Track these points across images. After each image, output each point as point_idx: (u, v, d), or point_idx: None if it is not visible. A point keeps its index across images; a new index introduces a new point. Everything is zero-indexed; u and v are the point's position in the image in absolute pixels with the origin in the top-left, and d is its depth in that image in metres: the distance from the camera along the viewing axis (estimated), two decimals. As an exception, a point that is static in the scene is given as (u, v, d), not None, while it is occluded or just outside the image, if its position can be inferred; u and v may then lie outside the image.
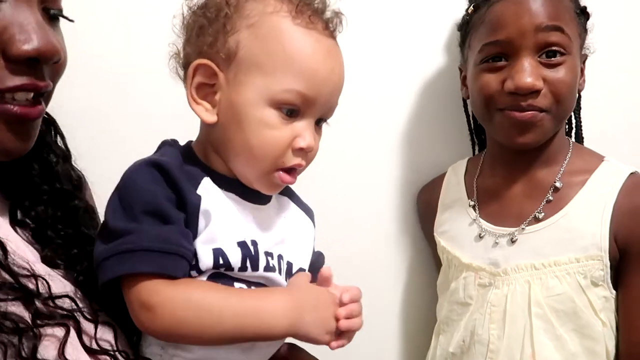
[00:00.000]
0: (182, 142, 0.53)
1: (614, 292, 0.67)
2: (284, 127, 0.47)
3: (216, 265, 0.46)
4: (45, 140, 0.52)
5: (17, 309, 0.38)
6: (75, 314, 0.42)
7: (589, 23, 0.71)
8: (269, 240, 0.51)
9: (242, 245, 0.48)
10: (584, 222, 0.67)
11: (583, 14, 0.71)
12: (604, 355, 0.66)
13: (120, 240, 0.43)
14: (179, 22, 0.51)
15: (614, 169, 0.69)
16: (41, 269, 0.44)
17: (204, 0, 0.50)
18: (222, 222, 0.47)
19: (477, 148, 0.85)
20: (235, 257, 0.47)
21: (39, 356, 0.37)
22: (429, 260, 0.86)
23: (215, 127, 0.49)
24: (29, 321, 0.38)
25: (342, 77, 0.50)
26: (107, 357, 0.43)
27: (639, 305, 0.66)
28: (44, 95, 0.44)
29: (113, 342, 0.45)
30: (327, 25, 0.49)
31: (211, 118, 0.48)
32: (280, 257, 0.52)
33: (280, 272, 0.51)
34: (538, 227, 0.69)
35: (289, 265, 0.53)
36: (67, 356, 0.39)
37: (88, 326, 0.43)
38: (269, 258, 0.50)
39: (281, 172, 0.49)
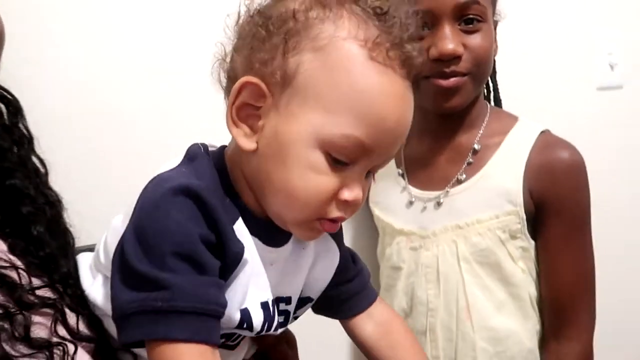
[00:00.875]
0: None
1: (532, 242, 0.72)
2: (332, 173, 0.40)
3: (239, 327, 0.42)
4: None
5: (1, 298, 0.37)
6: (58, 304, 0.41)
7: None
8: (285, 287, 0.47)
9: (265, 306, 0.43)
10: (500, 180, 0.71)
11: None
12: (527, 299, 0.72)
13: (152, 296, 0.36)
14: (233, 22, 0.43)
15: (526, 128, 0.73)
16: (14, 259, 0.42)
17: (267, 6, 0.42)
18: (251, 278, 0.42)
19: None
20: (257, 320, 0.43)
21: (32, 335, 0.37)
22: (370, 230, 0.88)
23: (253, 156, 0.41)
24: (16, 308, 0.37)
25: (409, 125, 0.43)
26: (92, 345, 0.42)
27: (555, 253, 0.71)
28: None
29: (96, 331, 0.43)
30: (405, 62, 0.40)
31: (250, 145, 0.41)
32: (289, 299, 0.48)
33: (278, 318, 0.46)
34: (460, 188, 0.73)
35: (301, 299, 0.50)
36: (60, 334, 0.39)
37: (72, 315, 0.42)
38: (280, 308, 0.46)
39: (323, 221, 0.42)
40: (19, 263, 0.41)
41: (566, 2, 1.06)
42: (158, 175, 0.41)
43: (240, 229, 0.41)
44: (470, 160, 0.74)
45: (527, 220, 0.70)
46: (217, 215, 0.38)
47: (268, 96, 0.40)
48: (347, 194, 0.40)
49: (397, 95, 0.40)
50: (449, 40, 0.67)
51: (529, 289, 0.72)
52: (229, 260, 0.40)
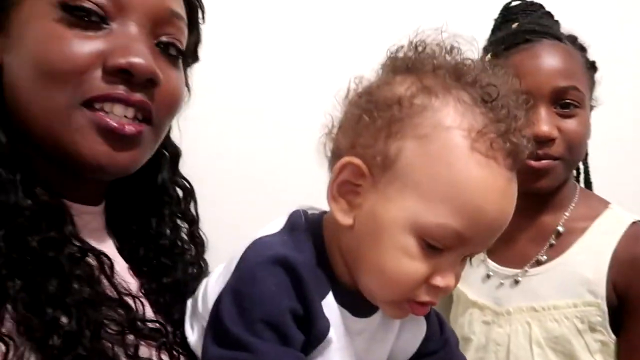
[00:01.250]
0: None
1: (613, 337, 0.69)
2: (424, 259, 0.40)
3: None
4: (161, 177, 0.52)
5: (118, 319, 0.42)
6: (164, 339, 0.44)
7: (597, 76, 0.75)
8: (371, 356, 0.47)
9: None
10: (582, 268, 0.69)
11: (592, 68, 0.75)
12: None
13: (238, 355, 0.38)
14: (342, 96, 0.45)
15: (616, 217, 0.72)
16: (141, 295, 0.47)
17: (374, 87, 0.43)
18: (336, 352, 0.42)
19: None
20: None
21: (140, 354, 0.41)
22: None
23: (349, 231, 0.42)
24: (129, 330, 0.41)
25: (510, 217, 0.42)
26: None
27: (630, 352, 0.68)
28: (147, 120, 0.44)
29: None
30: (510, 153, 0.39)
31: (346, 220, 0.42)
32: None
33: None
34: (540, 270, 0.72)
35: None
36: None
37: (174, 353, 0.45)
38: None
39: (412, 303, 0.42)
40: (144, 300, 0.47)
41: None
42: (259, 239, 0.43)
43: (329, 303, 0.42)
44: (553, 242, 0.73)
45: (609, 313, 0.68)
46: (308, 290, 0.40)
47: (368, 177, 0.41)
48: (439, 281, 0.40)
49: (499, 189, 0.39)
50: (544, 122, 0.68)
51: None
52: (314, 337, 0.40)
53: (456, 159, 0.38)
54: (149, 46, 0.44)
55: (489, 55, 0.76)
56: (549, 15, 0.78)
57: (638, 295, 0.67)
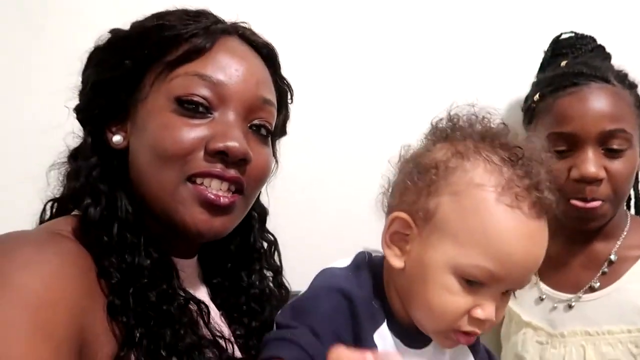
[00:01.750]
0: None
1: None
2: (465, 294, 0.47)
3: None
4: (252, 236, 0.61)
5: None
6: None
7: None
8: None
9: None
10: (635, 296, 0.73)
11: None
12: None
13: (278, 334, 0.47)
14: (396, 160, 0.53)
15: None
16: (231, 338, 0.55)
17: (419, 154, 0.52)
18: None
19: None
20: None
21: None
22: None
23: (401, 273, 0.50)
24: None
25: (540, 258, 0.49)
26: None
27: None
28: (239, 191, 0.51)
29: None
30: (535, 204, 0.46)
31: (398, 264, 0.50)
32: None
33: None
34: (593, 296, 0.76)
35: None
36: None
37: None
38: None
39: (458, 333, 0.48)
40: (234, 343, 0.55)
41: None
42: (328, 268, 0.52)
43: (383, 334, 0.49)
44: (606, 270, 0.76)
45: None
46: (361, 321, 0.47)
47: (414, 227, 0.49)
48: (479, 313, 0.47)
49: (524, 234, 0.46)
50: (592, 163, 0.71)
51: None
52: None
53: (485, 210, 0.46)
54: (243, 130, 0.52)
55: (537, 95, 0.79)
56: (600, 49, 0.80)
57: None
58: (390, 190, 0.54)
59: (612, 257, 0.76)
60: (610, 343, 0.73)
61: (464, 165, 0.48)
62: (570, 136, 0.72)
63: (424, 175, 0.49)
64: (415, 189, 0.49)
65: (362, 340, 0.47)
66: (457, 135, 0.50)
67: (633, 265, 0.75)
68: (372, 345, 0.48)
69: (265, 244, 0.63)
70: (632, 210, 0.83)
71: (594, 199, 0.72)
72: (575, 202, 0.73)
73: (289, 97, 0.60)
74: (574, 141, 0.72)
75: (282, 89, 0.58)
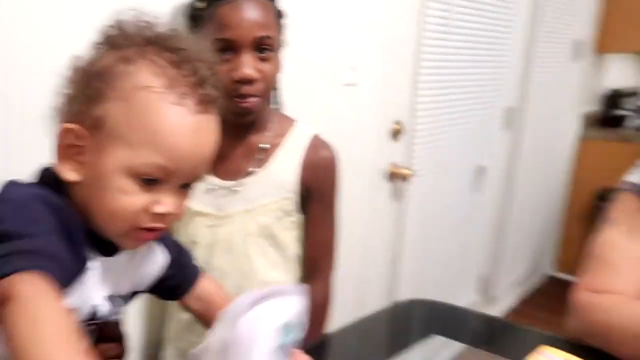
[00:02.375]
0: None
1: (300, 216, 0.97)
2: (142, 193, 0.50)
3: (88, 318, 0.54)
4: None
5: None
6: None
7: (284, 22, 0.93)
8: (120, 286, 0.58)
9: (106, 300, 0.56)
10: (282, 173, 0.93)
11: (280, 16, 0.92)
12: (293, 259, 0.98)
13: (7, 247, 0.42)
14: (65, 72, 0.52)
15: (301, 132, 0.96)
16: None
17: (87, 62, 0.51)
18: (92, 282, 0.53)
19: None
20: (101, 311, 0.55)
21: None
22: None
23: (80, 186, 0.51)
24: None
25: (209, 149, 0.54)
26: None
27: (314, 224, 0.98)
28: None
29: None
30: (200, 101, 0.51)
31: (74, 177, 0.51)
32: (123, 295, 0.60)
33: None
34: (251, 180, 0.93)
35: (132, 293, 0.62)
36: None
37: None
38: (117, 301, 0.58)
39: (142, 231, 0.52)
40: None
41: (324, 23, 1.33)
42: (12, 181, 0.50)
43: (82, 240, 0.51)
44: (260, 156, 0.93)
45: (300, 201, 0.95)
46: (71, 223, 0.48)
47: (87, 137, 0.50)
48: (158, 208, 0.52)
49: (190, 128, 0.51)
50: (247, 66, 0.83)
51: (295, 251, 0.98)
52: (77, 263, 0.49)
53: (152, 110, 0.49)
54: None
55: (203, 3, 0.85)
56: None
57: (316, 187, 0.95)
58: (62, 104, 0.53)
59: (263, 145, 0.94)
60: (264, 213, 0.92)
61: (128, 70, 0.50)
62: (230, 42, 0.83)
63: (91, 83, 0.50)
64: (83, 98, 0.50)
65: (77, 241, 0.49)
66: (124, 42, 0.51)
67: (278, 149, 0.94)
68: (84, 246, 0.51)
69: None
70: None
71: (251, 96, 0.85)
72: (236, 99, 0.85)
73: None
74: (233, 47, 0.83)
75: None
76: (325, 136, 0.99)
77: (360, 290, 1.67)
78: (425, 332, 0.88)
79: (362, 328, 0.92)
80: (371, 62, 1.49)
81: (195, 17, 0.89)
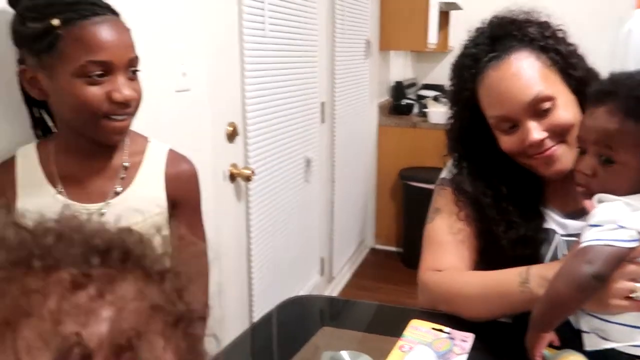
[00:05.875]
0: None
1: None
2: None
3: None
4: None
5: None
6: None
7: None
8: None
9: None
10: (149, 190, 0.93)
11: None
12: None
13: None
14: None
15: (157, 148, 0.97)
16: None
17: None
18: None
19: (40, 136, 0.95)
20: None
21: None
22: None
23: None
24: None
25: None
26: None
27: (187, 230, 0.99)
28: None
29: None
30: None
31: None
32: None
33: None
34: (119, 199, 0.90)
35: None
36: None
37: None
38: None
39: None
40: None
41: (152, 33, 1.31)
42: None
43: None
44: (123, 175, 0.91)
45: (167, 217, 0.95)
46: None
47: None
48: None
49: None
50: (128, 87, 0.83)
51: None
52: None
53: None
54: None
55: (57, 20, 0.78)
56: None
57: (181, 197, 0.97)
58: None
59: (126, 163, 0.92)
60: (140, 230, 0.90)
61: None
62: (106, 64, 0.81)
63: None
64: None
65: None
66: None
67: (140, 167, 0.93)
68: None
69: None
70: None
71: (127, 116, 0.85)
72: (111, 120, 0.84)
73: None
74: (108, 69, 0.81)
75: None
76: (166, 142, 1.01)
77: (217, 287, 1.69)
78: (317, 326, 0.94)
79: (254, 336, 0.96)
80: (200, 68, 1.52)
81: (44, 38, 0.79)
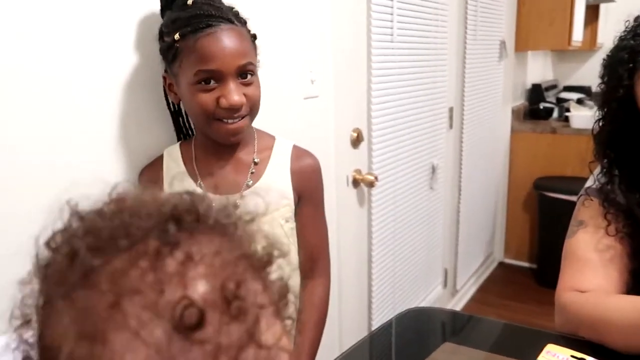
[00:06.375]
0: None
1: (295, 222, 1.02)
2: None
3: None
4: None
5: None
6: None
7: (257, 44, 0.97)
8: None
9: None
10: (277, 183, 0.98)
11: (254, 38, 0.96)
12: (295, 264, 1.02)
13: None
14: None
15: (283, 144, 1.03)
16: None
17: None
18: None
19: (182, 137, 1.06)
20: None
21: None
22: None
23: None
24: None
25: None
26: None
27: (307, 226, 1.04)
28: None
29: None
30: None
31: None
32: None
33: None
34: (250, 192, 0.96)
35: None
36: None
37: None
38: None
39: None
40: None
41: (281, 42, 1.37)
42: None
43: None
44: (253, 170, 0.98)
45: (294, 209, 1.00)
46: None
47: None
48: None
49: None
50: (235, 93, 0.88)
51: (296, 256, 1.02)
52: None
53: None
54: None
55: (177, 34, 0.87)
56: None
57: (305, 191, 1.01)
58: None
59: (256, 159, 0.99)
60: (267, 222, 0.94)
61: None
62: (215, 72, 0.87)
63: None
64: None
65: None
66: None
67: (268, 162, 0.99)
68: None
69: None
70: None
71: (239, 118, 0.91)
72: (224, 124, 0.90)
73: None
74: (218, 76, 0.87)
75: None
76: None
77: (336, 290, 1.71)
78: (438, 340, 0.90)
79: (372, 345, 0.95)
80: (328, 75, 1.56)
81: (170, 51, 0.90)
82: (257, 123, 1.04)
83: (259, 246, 0.34)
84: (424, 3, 2.00)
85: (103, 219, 0.30)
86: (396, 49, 1.87)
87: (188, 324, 0.26)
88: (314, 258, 1.05)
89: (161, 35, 0.92)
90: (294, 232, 1.01)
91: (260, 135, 1.02)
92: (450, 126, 2.43)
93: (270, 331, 0.30)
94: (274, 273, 0.33)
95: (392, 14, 1.80)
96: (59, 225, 0.31)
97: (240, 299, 0.28)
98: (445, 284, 2.59)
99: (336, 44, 1.57)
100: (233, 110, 0.89)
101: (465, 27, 2.41)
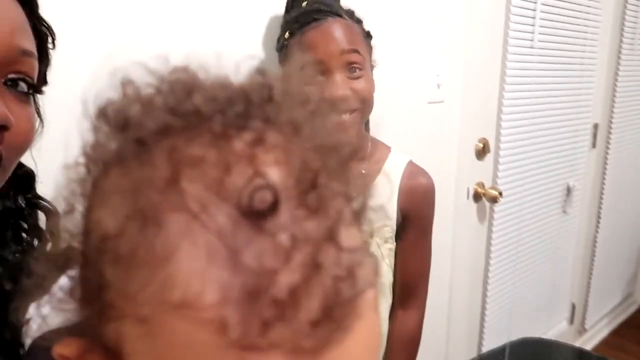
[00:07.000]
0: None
1: (394, 243, 0.95)
2: None
3: None
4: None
5: None
6: None
7: (373, 42, 0.93)
8: None
9: None
10: (380, 199, 0.91)
11: (368, 36, 0.93)
12: (387, 285, 0.95)
13: None
14: None
15: (397, 159, 0.95)
16: None
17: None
18: None
19: None
20: None
21: None
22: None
23: None
24: None
25: None
26: None
27: (409, 251, 0.96)
28: None
29: None
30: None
31: None
32: None
33: None
34: None
35: None
36: None
37: None
38: None
39: None
40: None
41: (408, 42, 1.32)
42: None
43: None
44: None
45: (395, 229, 0.92)
46: None
47: None
48: None
49: None
50: (339, 86, 0.83)
51: (389, 278, 0.95)
52: None
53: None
54: None
55: (287, 33, 0.88)
56: None
57: (412, 213, 0.93)
58: None
59: (363, 170, 0.93)
60: None
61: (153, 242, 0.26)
62: (319, 63, 0.83)
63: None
64: None
65: None
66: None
67: (377, 176, 0.92)
68: None
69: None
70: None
71: (349, 114, 0.85)
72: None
73: (51, 41, 0.49)
74: (324, 69, 0.84)
75: (43, 34, 0.48)
76: (410, 154, 0.97)
77: (446, 313, 1.61)
78: None
79: None
80: (456, 80, 1.47)
81: (282, 51, 0.90)
82: (374, 125, 0.99)
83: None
84: (573, 7, 1.82)
85: (160, 91, 0.25)
86: (536, 56, 1.71)
87: (258, 209, 0.21)
88: (411, 287, 0.97)
89: (281, 33, 0.93)
90: (392, 253, 0.94)
91: (375, 145, 0.96)
92: (594, 145, 2.17)
93: (352, 235, 0.25)
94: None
95: (534, 17, 1.66)
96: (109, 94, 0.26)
97: (320, 190, 0.23)
98: (571, 321, 2.32)
99: (468, 46, 1.48)
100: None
101: (622, 35, 2.14)
